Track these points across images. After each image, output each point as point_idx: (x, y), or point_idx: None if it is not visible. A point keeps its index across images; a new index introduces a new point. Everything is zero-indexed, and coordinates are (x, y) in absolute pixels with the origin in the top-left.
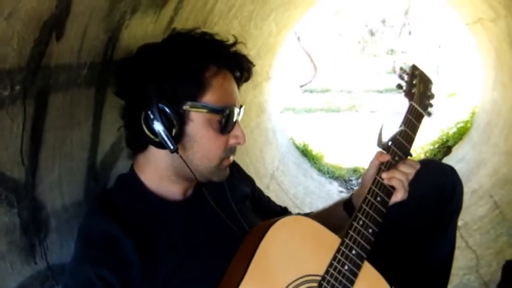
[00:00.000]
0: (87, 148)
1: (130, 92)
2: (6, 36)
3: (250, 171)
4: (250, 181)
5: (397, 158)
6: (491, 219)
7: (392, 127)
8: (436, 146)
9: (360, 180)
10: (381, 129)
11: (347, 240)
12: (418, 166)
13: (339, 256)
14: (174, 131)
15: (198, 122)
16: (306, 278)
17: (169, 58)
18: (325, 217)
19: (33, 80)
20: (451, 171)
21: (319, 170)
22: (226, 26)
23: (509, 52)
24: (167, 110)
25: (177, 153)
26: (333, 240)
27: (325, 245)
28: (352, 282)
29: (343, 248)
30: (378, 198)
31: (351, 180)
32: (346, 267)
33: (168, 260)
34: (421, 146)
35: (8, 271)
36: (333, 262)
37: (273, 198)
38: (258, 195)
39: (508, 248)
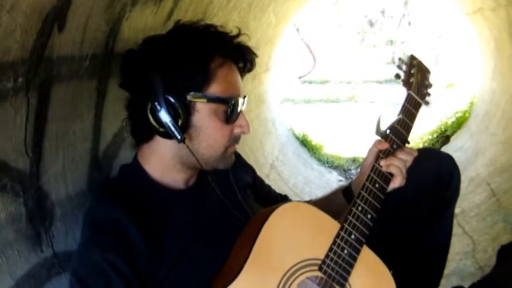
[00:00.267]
0: (90, 138)
1: (136, 83)
2: (9, 28)
3: (250, 161)
4: (251, 170)
5: (395, 146)
6: (488, 207)
7: (391, 116)
8: (435, 135)
9: (359, 170)
10: (379, 118)
11: (346, 226)
12: (415, 153)
13: (338, 241)
14: (180, 122)
15: (203, 112)
16: (306, 262)
17: (175, 50)
18: (325, 204)
19: (36, 72)
20: (449, 159)
21: (319, 160)
22: (226, 17)
23: (509, 42)
24: (173, 101)
25: (184, 143)
26: (332, 226)
27: (325, 230)
28: (351, 266)
29: (342, 233)
30: (377, 185)
31: (350, 170)
32: (345, 252)
33: (174, 246)
34: (420, 136)
35: (16, 259)
36: (333, 246)
37: (273, 187)
38: (259, 183)
39: (504, 234)
